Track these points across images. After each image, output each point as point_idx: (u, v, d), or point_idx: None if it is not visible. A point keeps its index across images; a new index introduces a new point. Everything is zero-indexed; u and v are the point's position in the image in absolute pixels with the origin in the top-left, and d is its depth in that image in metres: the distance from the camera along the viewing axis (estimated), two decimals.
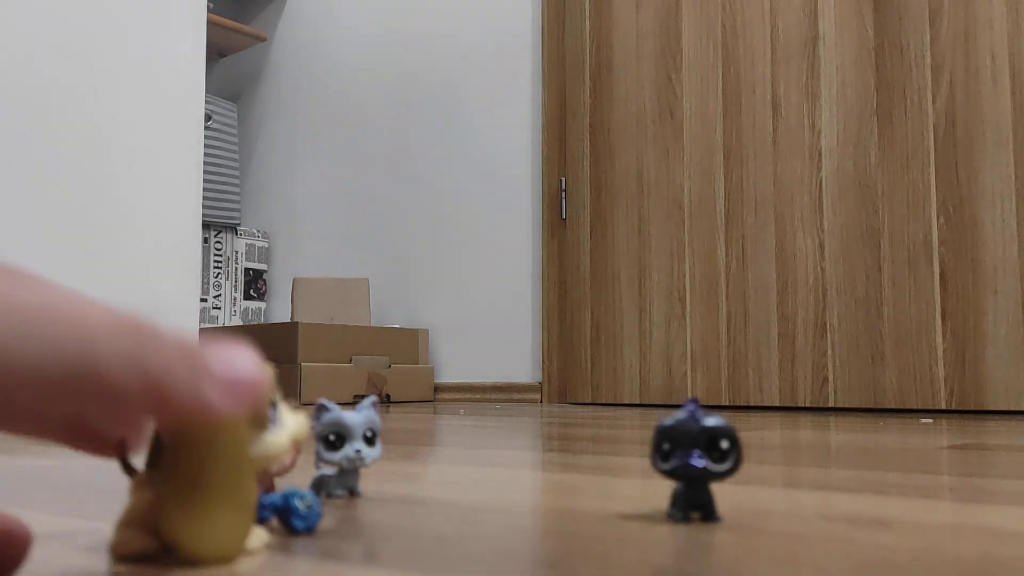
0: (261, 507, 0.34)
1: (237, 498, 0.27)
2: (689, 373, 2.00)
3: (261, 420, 0.30)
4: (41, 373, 0.22)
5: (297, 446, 0.31)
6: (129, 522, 0.29)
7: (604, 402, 2.13)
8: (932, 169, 1.74)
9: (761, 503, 0.42)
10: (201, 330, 2.31)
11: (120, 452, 0.30)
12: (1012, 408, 1.61)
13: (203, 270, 2.74)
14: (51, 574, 0.27)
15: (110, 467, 0.57)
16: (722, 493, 0.46)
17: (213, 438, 0.27)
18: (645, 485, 0.50)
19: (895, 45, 1.80)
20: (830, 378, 1.82)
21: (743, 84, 2.00)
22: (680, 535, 0.33)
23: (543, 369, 2.22)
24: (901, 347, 1.74)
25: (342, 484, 0.44)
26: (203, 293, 2.73)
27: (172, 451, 0.27)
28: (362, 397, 2.17)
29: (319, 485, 0.44)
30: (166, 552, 0.29)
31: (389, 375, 2.24)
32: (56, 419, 0.24)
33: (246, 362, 0.25)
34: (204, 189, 2.69)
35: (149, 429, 0.29)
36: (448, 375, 2.41)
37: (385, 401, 2.20)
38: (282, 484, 0.49)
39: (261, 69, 3.08)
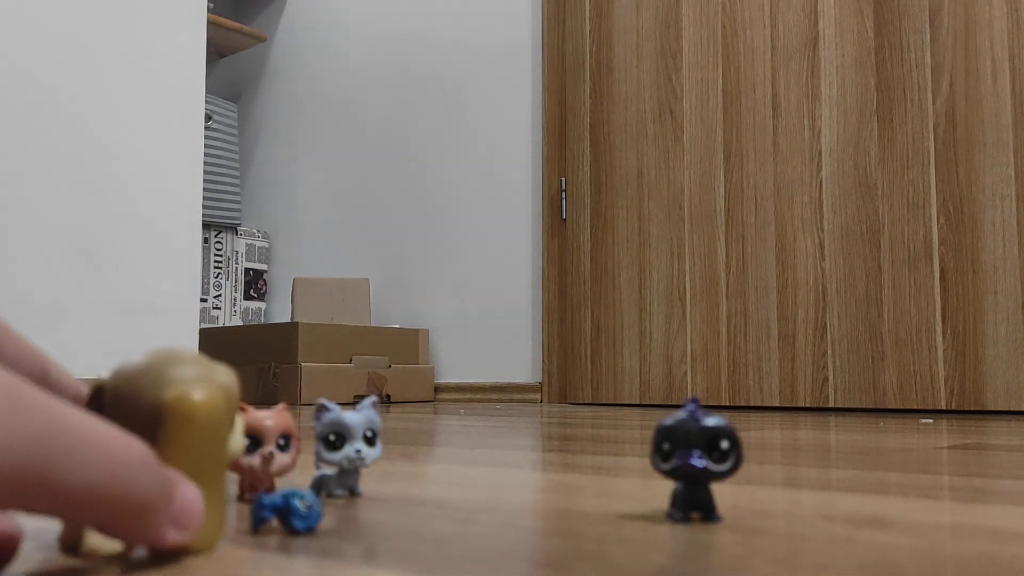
0: (261, 507, 0.34)
1: (219, 492, 0.29)
2: (689, 373, 2.00)
3: (232, 420, 0.31)
4: (66, 492, 0.25)
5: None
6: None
7: (604, 402, 2.13)
8: (932, 169, 1.74)
9: (761, 503, 0.42)
10: (201, 330, 2.31)
11: None
12: (1012, 408, 1.61)
13: (203, 270, 2.74)
14: (57, 571, 0.27)
15: None
16: (722, 493, 0.46)
17: (205, 438, 0.29)
18: (645, 485, 0.50)
19: (895, 45, 1.80)
20: (830, 378, 1.82)
21: (743, 84, 2.00)
22: (680, 535, 0.33)
23: (543, 369, 2.22)
24: (901, 347, 1.74)
25: (342, 484, 0.44)
26: (203, 293, 2.73)
27: (163, 451, 0.28)
28: (362, 397, 2.17)
29: (319, 485, 0.44)
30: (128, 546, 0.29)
31: (389, 375, 2.24)
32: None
33: (194, 498, 0.28)
34: (204, 189, 2.69)
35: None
36: (448, 375, 2.41)
37: (385, 401, 2.20)
38: (282, 484, 0.49)
39: (261, 69, 3.08)
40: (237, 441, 0.32)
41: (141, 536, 0.27)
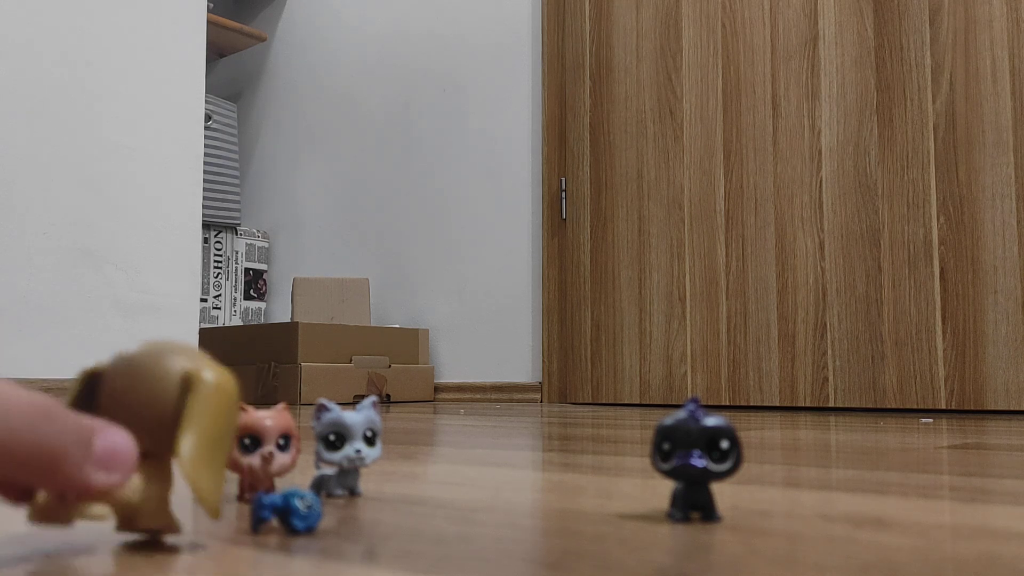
0: (261, 507, 0.34)
1: (224, 459, 0.32)
2: (689, 373, 2.00)
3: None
4: None
5: None
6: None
7: (604, 402, 2.13)
8: (932, 169, 1.74)
9: (761, 503, 0.42)
10: (201, 330, 2.31)
11: None
12: (1012, 408, 1.62)
13: (203, 270, 2.74)
14: (53, 570, 0.27)
15: None
16: (722, 493, 0.46)
17: (231, 407, 0.32)
18: (645, 485, 0.50)
19: (895, 45, 1.80)
20: (830, 378, 1.82)
21: (743, 84, 2.00)
22: (680, 535, 0.33)
23: (543, 369, 2.22)
24: (901, 347, 1.74)
25: (342, 484, 0.44)
26: (203, 293, 2.73)
27: (198, 416, 0.31)
28: (362, 397, 2.17)
29: (319, 485, 0.44)
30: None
31: (389, 375, 2.24)
32: None
33: (121, 441, 0.30)
34: (204, 189, 2.69)
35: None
36: (448, 375, 2.41)
37: (385, 401, 2.20)
38: (282, 484, 0.49)
39: (261, 69, 3.08)
40: None
41: (65, 483, 0.29)
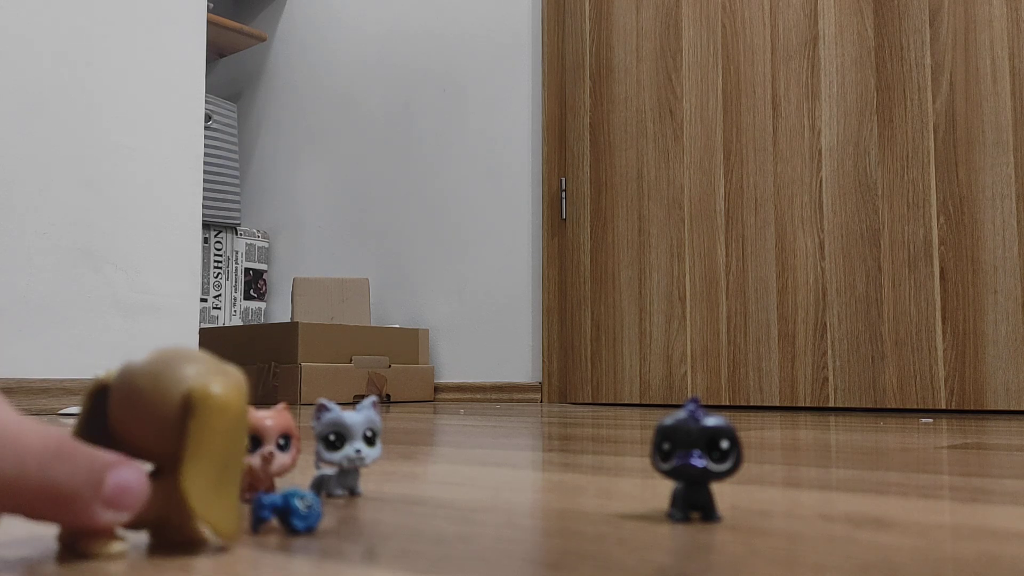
0: (261, 506, 0.34)
1: (238, 480, 0.31)
2: (689, 373, 2.00)
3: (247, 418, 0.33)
4: None
5: None
6: None
7: (604, 402, 2.13)
8: (932, 169, 1.74)
9: (761, 503, 0.42)
10: (201, 330, 2.31)
11: None
12: (1012, 408, 1.62)
13: (203, 270, 2.74)
14: (53, 570, 0.27)
15: None
16: (722, 493, 0.46)
17: (237, 426, 0.30)
18: (645, 485, 0.50)
19: (895, 45, 1.80)
20: (830, 378, 1.82)
21: (743, 84, 2.00)
22: (680, 535, 0.33)
23: (543, 369, 2.22)
24: (901, 347, 1.74)
25: (342, 484, 0.44)
26: (203, 293, 2.73)
27: (198, 439, 0.29)
28: (362, 397, 2.17)
29: (319, 485, 0.44)
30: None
31: (389, 375, 2.24)
32: None
33: (132, 478, 0.29)
34: (204, 189, 2.69)
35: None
36: (448, 375, 2.41)
37: (385, 401, 2.20)
38: (282, 484, 0.49)
39: (261, 69, 3.08)
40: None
41: (72, 520, 0.28)
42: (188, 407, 0.29)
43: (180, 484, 0.29)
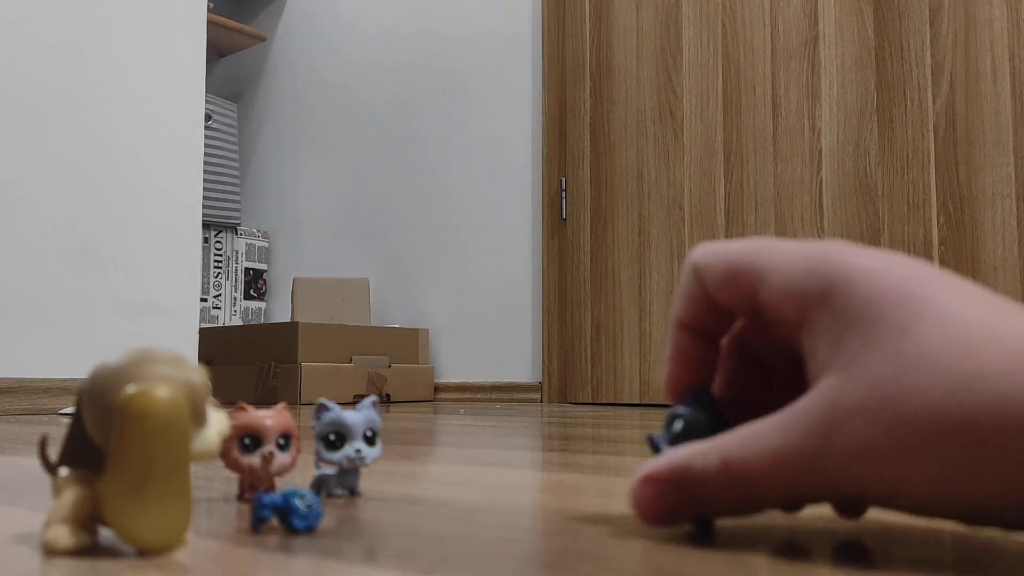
0: (261, 506, 0.34)
1: (182, 490, 0.29)
2: None
3: (200, 417, 0.31)
4: None
5: (222, 441, 0.33)
6: (62, 519, 0.30)
7: (604, 402, 2.13)
8: (932, 169, 1.74)
9: None
10: (201, 330, 2.30)
11: (41, 451, 0.34)
12: None
13: (203, 270, 2.74)
14: (54, 571, 0.27)
15: None
16: None
17: (162, 434, 0.29)
18: None
19: (895, 45, 1.80)
20: None
21: (743, 84, 2.00)
22: (680, 535, 0.33)
23: (543, 369, 2.22)
24: None
25: (342, 484, 0.44)
26: (203, 293, 2.74)
27: (118, 447, 0.29)
28: (362, 397, 2.17)
29: (319, 484, 0.44)
30: (99, 546, 0.30)
31: (389, 375, 2.24)
32: None
33: None
34: (204, 189, 2.69)
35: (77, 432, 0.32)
36: (448, 375, 2.41)
37: (385, 401, 2.20)
38: (282, 483, 0.49)
39: (261, 69, 3.08)
40: (210, 439, 0.32)
41: None
42: (113, 418, 0.29)
43: (98, 491, 0.29)
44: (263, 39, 2.99)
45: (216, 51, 3.06)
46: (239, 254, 2.85)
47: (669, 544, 0.30)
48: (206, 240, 2.77)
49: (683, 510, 0.30)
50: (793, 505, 0.31)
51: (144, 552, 0.29)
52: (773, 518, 0.37)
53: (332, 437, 0.42)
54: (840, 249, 0.28)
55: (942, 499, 0.25)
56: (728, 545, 0.30)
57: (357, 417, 0.43)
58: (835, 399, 0.26)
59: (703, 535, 0.32)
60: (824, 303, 0.28)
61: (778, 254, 0.30)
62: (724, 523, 0.35)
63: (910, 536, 0.32)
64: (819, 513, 0.38)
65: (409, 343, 2.33)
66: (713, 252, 0.32)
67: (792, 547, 0.30)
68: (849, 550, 0.29)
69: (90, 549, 0.31)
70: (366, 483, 0.50)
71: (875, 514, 0.36)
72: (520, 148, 2.34)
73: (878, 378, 0.25)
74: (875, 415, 0.25)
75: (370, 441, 0.43)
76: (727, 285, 0.31)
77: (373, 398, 0.44)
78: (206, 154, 2.74)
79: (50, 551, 0.30)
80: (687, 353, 0.34)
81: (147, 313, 1.74)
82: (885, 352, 0.26)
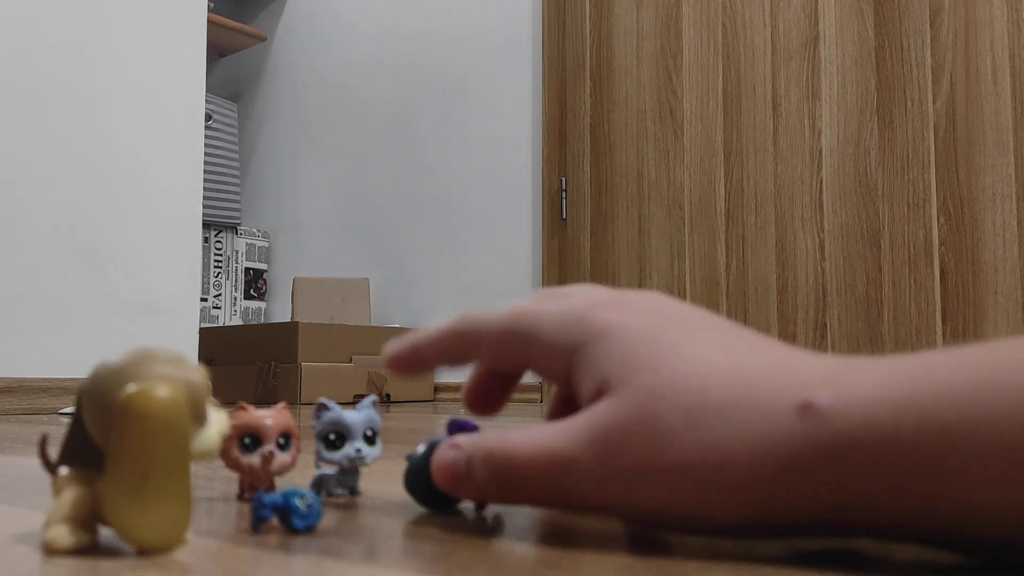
0: (261, 506, 0.34)
1: (182, 490, 0.29)
2: None
3: (200, 416, 0.31)
4: None
5: (222, 441, 0.33)
6: (62, 518, 0.30)
7: None
8: (932, 169, 1.74)
9: None
10: (201, 330, 2.31)
11: (41, 450, 0.33)
12: None
13: (203, 270, 2.74)
14: (53, 570, 0.27)
15: None
16: None
17: (162, 434, 0.29)
18: None
19: (895, 45, 1.80)
20: None
21: (743, 84, 2.00)
22: (680, 534, 0.33)
23: None
24: (901, 347, 1.74)
25: (342, 483, 0.44)
26: (203, 293, 2.74)
27: (118, 447, 0.29)
28: (362, 397, 2.17)
29: (319, 484, 0.44)
30: (99, 545, 0.30)
31: (389, 375, 2.24)
32: None
33: None
34: (204, 189, 2.69)
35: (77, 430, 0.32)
36: (448, 375, 2.41)
37: (385, 401, 2.20)
38: (282, 483, 0.49)
39: (261, 69, 3.08)
40: (210, 438, 0.32)
41: None
42: (111, 419, 0.29)
43: (98, 490, 0.29)
44: (263, 39, 2.99)
45: (216, 51, 3.06)
46: (239, 254, 2.85)
47: (671, 544, 0.30)
48: (206, 240, 2.77)
49: (462, 482, 0.33)
50: (555, 507, 0.33)
51: (144, 551, 0.29)
52: None
53: (332, 437, 0.42)
54: (592, 307, 0.32)
55: (682, 517, 0.28)
56: (728, 547, 0.30)
57: (357, 417, 0.43)
58: (603, 419, 0.29)
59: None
60: (585, 352, 0.31)
61: (540, 320, 0.33)
62: None
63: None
64: None
65: None
66: (479, 318, 0.37)
67: (791, 550, 0.30)
68: (848, 554, 0.29)
69: (90, 548, 0.31)
70: (366, 483, 0.50)
71: None
72: (520, 148, 2.34)
73: (635, 405, 0.28)
74: (633, 437, 0.28)
75: (370, 441, 0.43)
76: (498, 351, 0.35)
77: (373, 398, 0.44)
78: (206, 154, 2.74)
79: (50, 550, 0.30)
80: (410, 362, 0.39)
81: (147, 313, 1.74)
82: (640, 383, 0.28)
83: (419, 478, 0.37)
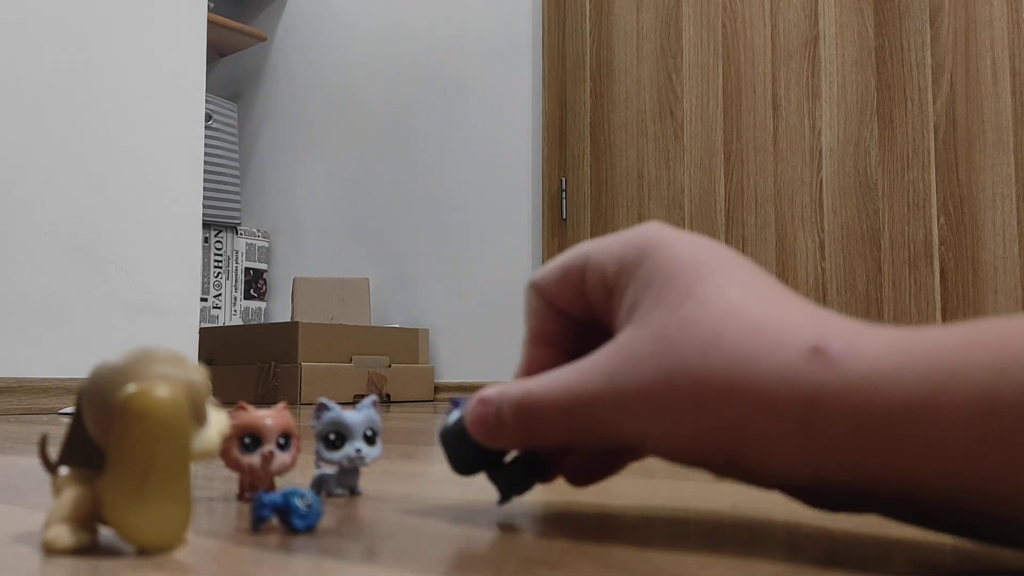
0: (261, 506, 0.34)
1: (182, 490, 0.29)
2: None
3: (200, 416, 0.31)
4: None
5: (223, 441, 0.33)
6: (62, 518, 0.30)
7: None
8: (932, 169, 1.74)
9: (762, 502, 0.42)
10: (201, 330, 2.31)
11: (41, 450, 0.34)
12: None
13: (203, 270, 2.74)
14: (52, 570, 0.27)
15: None
16: (722, 492, 0.46)
17: (162, 434, 0.29)
18: (645, 485, 0.50)
19: (895, 45, 1.80)
20: None
21: (743, 84, 2.00)
22: (681, 536, 0.33)
23: None
24: None
25: (342, 483, 0.44)
26: (203, 293, 2.74)
27: (118, 447, 0.29)
28: (362, 397, 2.17)
29: (319, 484, 0.44)
30: (99, 545, 0.30)
31: (389, 375, 2.24)
32: None
33: None
34: (204, 189, 2.69)
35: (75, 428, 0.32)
36: (448, 375, 2.41)
37: (385, 401, 2.20)
38: (282, 483, 0.49)
39: (261, 69, 3.08)
40: (210, 438, 0.32)
41: None
42: (111, 419, 0.29)
43: (98, 490, 0.29)
44: (263, 39, 2.99)
45: (216, 51, 3.06)
46: (239, 254, 2.85)
47: (671, 544, 0.30)
48: (206, 240, 2.77)
49: (496, 432, 0.34)
50: (584, 443, 0.34)
51: (144, 551, 0.29)
52: (772, 518, 0.37)
53: (332, 437, 0.42)
54: (654, 225, 0.32)
55: (684, 450, 0.28)
56: (728, 546, 0.30)
57: (357, 417, 0.43)
58: (624, 347, 0.29)
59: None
60: (634, 268, 0.31)
61: (600, 242, 0.34)
62: (724, 523, 0.35)
63: (909, 539, 0.32)
64: (818, 516, 0.38)
65: (409, 343, 2.33)
66: (545, 266, 0.36)
67: (791, 549, 0.30)
68: (849, 553, 0.29)
69: (90, 548, 0.31)
70: (366, 483, 0.50)
71: (873, 520, 0.36)
72: (520, 148, 2.34)
73: (658, 332, 0.29)
74: (650, 363, 0.28)
75: (370, 441, 0.43)
76: (561, 285, 0.34)
77: (373, 398, 0.44)
78: (206, 154, 2.74)
79: (50, 550, 0.30)
80: (537, 362, 0.37)
81: (147, 313, 1.74)
82: (669, 310, 0.29)
83: (459, 443, 0.37)
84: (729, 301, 0.28)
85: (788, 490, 0.28)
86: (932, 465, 0.23)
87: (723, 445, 0.27)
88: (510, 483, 0.37)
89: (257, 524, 0.34)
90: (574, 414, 0.30)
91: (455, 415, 0.37)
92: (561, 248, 2.26)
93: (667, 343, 0.28)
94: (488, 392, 0.34)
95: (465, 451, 0.37)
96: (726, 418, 0.27)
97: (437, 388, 2.41)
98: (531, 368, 0.36)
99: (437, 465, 0.63)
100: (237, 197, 2.87)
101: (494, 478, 0.37)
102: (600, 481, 0.38)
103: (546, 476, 0.37)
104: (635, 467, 0.61)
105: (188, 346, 1.80)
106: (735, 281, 0.29)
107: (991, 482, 0.23)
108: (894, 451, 0.24)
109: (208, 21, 2.68)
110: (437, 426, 1.17)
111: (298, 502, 0.34)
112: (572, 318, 0.36)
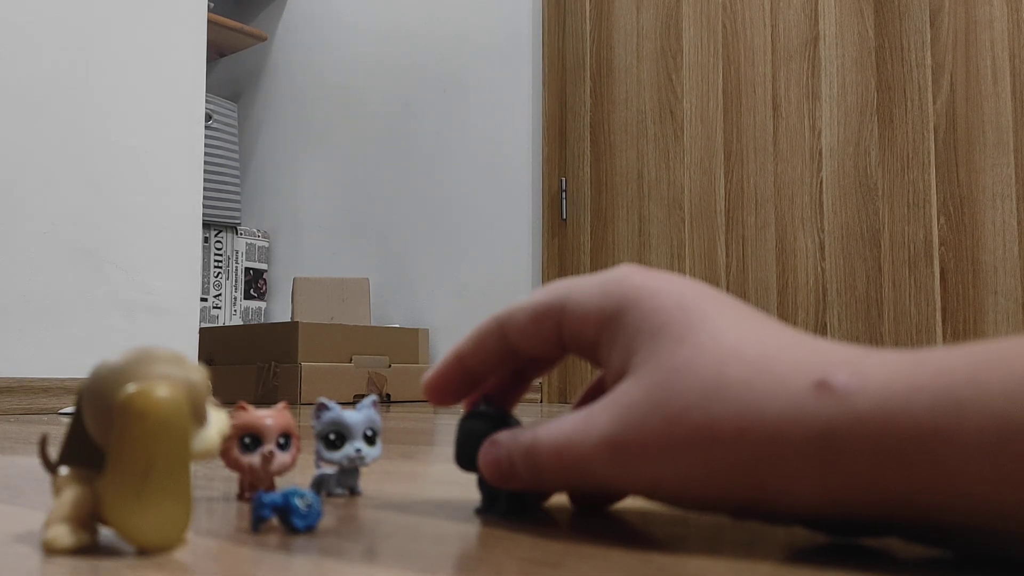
0: (261, 506, 0.34)
1: (182, 490, 0.29)
2: None
3: (200, 416, 0.31)
4: None
5: (222, 441, 0.33)
6: (62, 518, 0.30)
7: None
8: (932, 169, 1.74)
9: None
10: (201, 330, 2.31)
11: (41, 450, 0.34)
12: None
13: (203, 270, 2.74)
14: (52, 570, 0.27)
15: None
16: None
17: (162, 434, 0.29)
18: None
19: (895, 45, 1.80)
20: None
21: (743, 84, 2.00)
22: (682, 536, 0.33)
23: None
24: (901, 347, 1.74)
25: (342, 483, 0.44)
26: (203, 293, 2.73)
27: (118, 446, 0.29)
28: (362, 397, 2.17)
29: (319, 484, 0.44)
30: (99, 545, 0.30)
31: (389, 375, 2.24)
32: None
33: None
34: (204, 189, 2.69)
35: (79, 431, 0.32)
36: None
37: (385, 401, 2.20)
38: (282, 483, 0.49)
39: (261, 69, 3.08)
40: (210, 438, 0.32)
41: None
42: (112, 418, 0.29)
43: (98, 490, 0.29)
44: (263, 39, 2.99)
45: (216, 51, 3.06)
46: (239, 254, 2.85)
47: (671, 545, 0.30)
48: (206, 240, 2.77)
49: (508, 476, 0.34)
50: (596, 491, 0.34)
51: (144, 551, 0.29)
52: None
53: (332, 436, 0.42)
54: (631, 272, 0.32)
55: (697, 496, 0.29)
56: (729, 546, 0.30)
57: (357, 417, 0.43)
58: (623, 398, 0.29)
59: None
60: (618, 320, 0.31)
61: (575, 289, 0.34)
62: (724, 524, 0.35)
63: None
64: None
65: (409, 343, 2.33)
66: (514, 306, 0.36)
67: (792, 549, 0.30)
68: (850, 551, 0.29)
69: (90, 548, 0.31)
70: (366, 483, 0.50)
71: None
72: (520, 148, 2.34)
73: (657, 381, 0.29)
74: (651, 414, 0.28)
75: (370, 441, 0.43)
76: (532, 331, 0.35)
77: (373, 398, 0.44)
78: (206, 154, 2.74)
79: (50, 550, 0.30)
80: (451, 378, 0.38)
81: (147, 313, 1.74)
82: (664, 359, 0.29)
83: (469, 439, 0.38)
84: (724, 344, 0.28)
85: (809, 523, 0.28)
86: (948, 490, 0.24)
87: (738, 489, 0.27)
88: (492, 499, 0.37)
89: (257, 524, 0.34)
90: (579, 467, 0.31)
91: (482, 408, 0.38)
92: (561, 248, 2.26)
93: (666, 392, 0.28)
94: (501, 436, 0.35)
95: (471, 449, 0.37)
96: (738, 462, 0.27)
97: None
98: (443, 379, 0.38)
99: (437, 465, 0.63)
100: (237, 197, 2.87)
101: (481, 486, 0.38)
102: (606, 506, 0.38)
103: (532, 513, 0.37)
104: None
105: (188, 346, 1.80)
106: (727, 322, 0.29)
107: (1008, 504, 0.23)
108: (910, 479, 0.24)
109: (208, 21, 2.68)
110: (437, 426, 1.17)
111: (298, 502, 0.34)
112: (519, 355, 0.36)
